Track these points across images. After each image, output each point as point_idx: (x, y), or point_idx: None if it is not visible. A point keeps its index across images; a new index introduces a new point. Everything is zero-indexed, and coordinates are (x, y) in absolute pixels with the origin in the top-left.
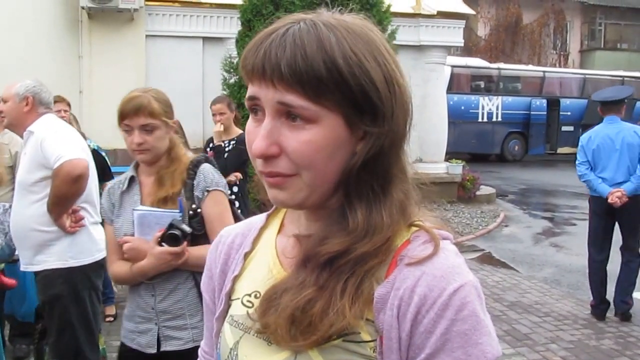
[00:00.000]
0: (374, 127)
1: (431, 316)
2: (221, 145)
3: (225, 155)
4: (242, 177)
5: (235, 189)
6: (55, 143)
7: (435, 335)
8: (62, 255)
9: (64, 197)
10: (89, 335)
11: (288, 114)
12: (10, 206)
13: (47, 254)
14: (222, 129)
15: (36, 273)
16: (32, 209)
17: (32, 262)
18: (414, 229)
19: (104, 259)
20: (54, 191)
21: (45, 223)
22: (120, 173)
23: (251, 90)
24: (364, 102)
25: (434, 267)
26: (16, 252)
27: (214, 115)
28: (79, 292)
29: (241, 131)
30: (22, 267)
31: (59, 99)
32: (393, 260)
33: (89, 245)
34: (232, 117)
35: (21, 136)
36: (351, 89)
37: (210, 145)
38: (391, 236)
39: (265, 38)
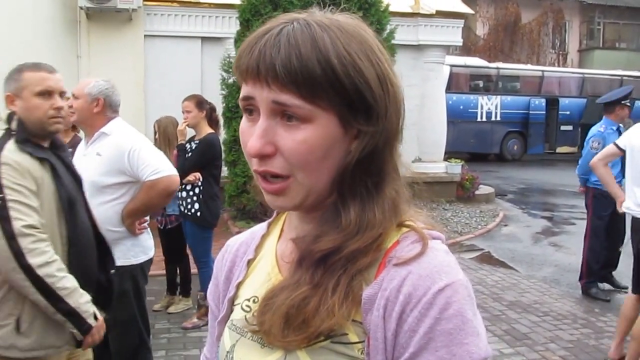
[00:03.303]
0: (368, 126)
1: (415, 315)
2: (183, 143)
3: (188, 155)
4: (203, 178)
5: (197, 190)
6: (151, 156)
7: (419, 334)
8: (126, 253)
9: (151, 208)
10: (147, 326)
11: (283, 114)
12: None
13: (114, 252)
14: (182, 127)
15: None
16: (102, 208)
17: None
18: (404, 229)
19: (153, 256)
20: (144, 201)
21: (113, 223)
22: None
23: (245, 90)
24: (358, 101)
25: (421, 267)
26: None
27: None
28: (139, 287)
29: (211, 131)
30: None
31: None
32: (382, 262)
33: (146, 244)
34: (201, 117)
35: (88, 134)
36: (345, 88)
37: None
38: (382, 233)
39: (259, 38)
